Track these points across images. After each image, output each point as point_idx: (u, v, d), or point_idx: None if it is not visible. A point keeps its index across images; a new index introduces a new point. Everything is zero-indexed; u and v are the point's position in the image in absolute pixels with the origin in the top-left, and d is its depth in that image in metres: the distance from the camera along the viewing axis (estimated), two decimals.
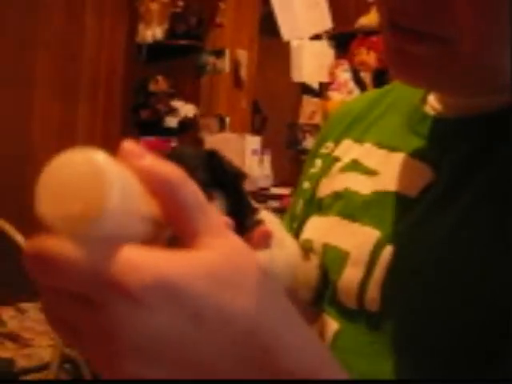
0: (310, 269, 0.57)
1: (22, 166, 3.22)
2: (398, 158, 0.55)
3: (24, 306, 2.36)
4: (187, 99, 3.30)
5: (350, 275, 0.53)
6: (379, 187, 0.55)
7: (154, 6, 3.28)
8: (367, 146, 0.60)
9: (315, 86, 2.83)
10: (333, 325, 0.54)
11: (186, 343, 0.31)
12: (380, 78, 2.57)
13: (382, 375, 0.48)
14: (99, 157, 0.29)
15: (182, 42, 3.24)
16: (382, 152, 0.58)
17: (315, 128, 2.83)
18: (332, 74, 2.73)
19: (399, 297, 0.49)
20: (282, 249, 0.54)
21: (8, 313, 2.27)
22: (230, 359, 0.32)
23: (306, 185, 0.67)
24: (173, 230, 0.33)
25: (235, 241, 0.33)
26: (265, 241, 0.48)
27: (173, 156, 0.44)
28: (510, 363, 0.42)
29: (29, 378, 1.91)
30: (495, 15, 0.44)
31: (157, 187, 0.31)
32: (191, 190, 0.32)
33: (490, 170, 0.48)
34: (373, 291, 0.50)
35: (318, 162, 0.66)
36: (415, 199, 0.52)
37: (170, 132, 3.28)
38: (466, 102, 0.52)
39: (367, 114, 0.64)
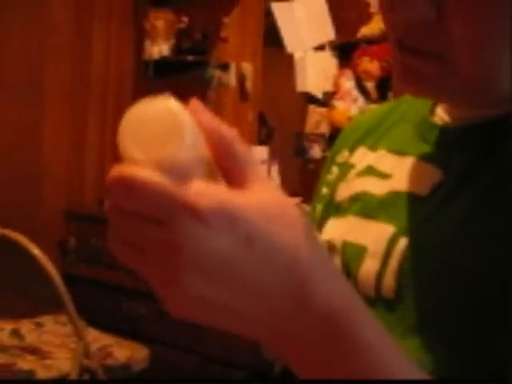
0: None
1: (34, 179, 3.29)
2: (409, 161, 0.61)
3: (42, 319, 2.41)
4: None
5: (368, 267, 0.58)
6: (393, 188, 0.61)
7: (159, 23, 3.35)
8: (381, 152, 0.66)
9: (319, 95, 2.88)
10: None
11: (238, 263, 0.36)
12: (383, 85, 2.62)
13: None
14: (176, 104, 0.35)
15: (188, 57, 3.31)
16: (394, 157, 0.64)
17: (321, 137, 2.87)
18: (336, 83, 2.77)
19: (413, 283, 0.54)
20: None
21: (27, 326, 2.32)
22: (272, 285, 0.37)
23: (324, 190, 0.72)
24: (223, 176, 0.38)
25: (276, 189, 0.40)
26: None
27: None
28: None
29: None
30: (486, 33, 0.49)
31: (215, 140, 0.37)
32: (243, 147, 0.38)
33: (492, 172, 0.54)
34: (389, 280, 0.56)
35: (335, 169, 0.72)
36: (426, 197, 0.57)
37: None
38: (470, 112, 0.58)
39: (380, 124, 0.70)
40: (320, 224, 0.69)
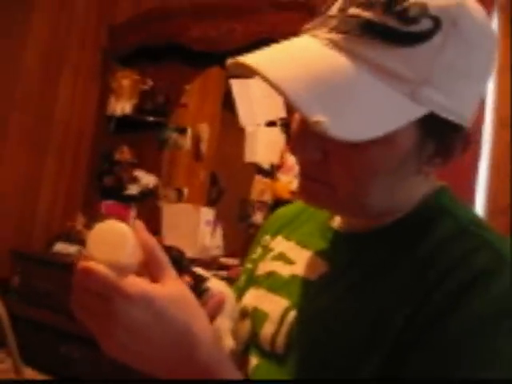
0: (244, 328, 0.83)
1: None
2: (308, 253, 0.83)
3: None
4: (149, 170, 3.53)
5: (267, 329, 0.79)
6: (294, 272, 0.82)
7: (125, 82, 3.55)
8: (291, 243, 0.88)
9: (266, 167, 3.10)
10: (254, 360, 0.80)
11: (149, 328, 0.59)
12: None
13: None
14: (125, 226, 0.59)
15: (149, 117, 3.50)
16: (300, 249, 0.85)
17: (264, 205, 3.08)
18: (282, 157, 3.01)
19: (297, 344, 0.74)
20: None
21: None
22: (170, 345, 0.60)
23: (249, 265, 0.95)
24: (148, 273, 0.62)
25: (181, 283, 0.63)
26: (219, 307, 0.77)
27: None
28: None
29: None
30: (356, 170, 0.69)
31: (147, 251, 0.61)
32: (163, 256, 0.62)
33: (359, 272, 0.75)
34: (280, 340, 0.76)
35: (259, 250, 0.95)
36: (313, 282, 0.79)
37: (130, 199, 3.49)
38: (356, 221, 0.79)
39: (296, 218, 0.93)
40: (242, 291, 0.90)
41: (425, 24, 0.63)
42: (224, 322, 0.77)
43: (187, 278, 0.73)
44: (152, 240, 0.62)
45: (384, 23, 0.63)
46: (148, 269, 0.62)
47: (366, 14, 0.64)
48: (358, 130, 0.62)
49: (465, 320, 0.63)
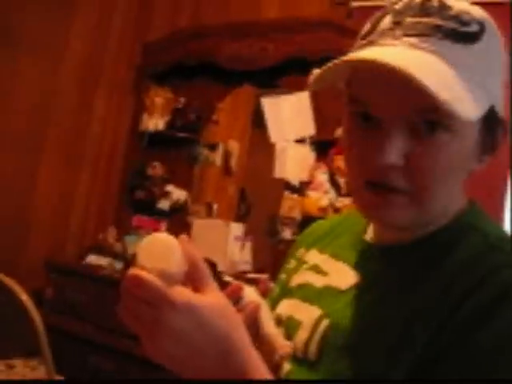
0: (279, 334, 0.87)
1: (21, 227, 3.45)
2: (340, 265, 0.87)
3: (13, 362, 2.51)
4: (180, 185, 3.59)
5: (300, 336, 0.83)
6: (326, 283, 0.86)
7: (158, 100, 3.63)
8: (325, 256, 0.92)
9: (295, 183, 3.14)
10: (287, 366, 0.83)
11: (191, 336, 0.62)
12: None
13: None
14: (171, 238, 0.63)
15: (180, 134, 3.57)
16: (333, 260, 0.89)
17: (293, 221, 3.11)
18: (311, 174, 3.04)
19: (329, 351, 0.78)
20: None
21: None
22: (209, 351, 0.64)
23: (283, 276, 0.99)
24: (191, 280, 0.65)
25: (222, 296, 0.66)
26: (255, 313, 0.82)
27: None
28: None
29: None
30: (435, 172, 0.72)
31: (191, 262, 0.64)
32: (205, 268, 0.66)
33: (390, 279, 0.78)
34: (313, 347, 0.80)
35: (293, 262, 0.99)
36: (345, 292, 0.82)
37: (161, 214, 3.55)
38: (389, 235, 0.82)
39: (330, 232, 0.97)
40: (276, 301, 0.94)
41: (474, 26, 0.73)
42: (272, 329, 0.82)
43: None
44: (196, 252, 0.66)
45: (449, 25, 0.72)
46: (191, 279, 0.65)
47: (430, 19, 0.72)
48: (470, 109, 0.68)
49: (497, 332, 0.65)
